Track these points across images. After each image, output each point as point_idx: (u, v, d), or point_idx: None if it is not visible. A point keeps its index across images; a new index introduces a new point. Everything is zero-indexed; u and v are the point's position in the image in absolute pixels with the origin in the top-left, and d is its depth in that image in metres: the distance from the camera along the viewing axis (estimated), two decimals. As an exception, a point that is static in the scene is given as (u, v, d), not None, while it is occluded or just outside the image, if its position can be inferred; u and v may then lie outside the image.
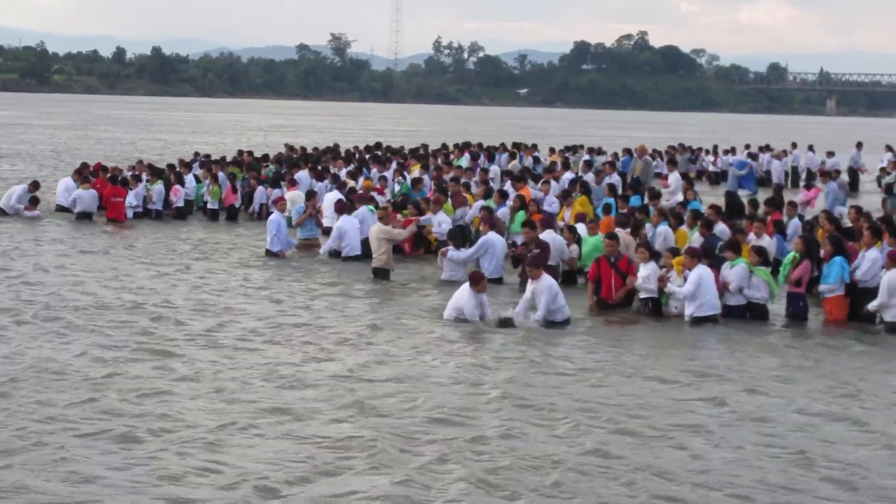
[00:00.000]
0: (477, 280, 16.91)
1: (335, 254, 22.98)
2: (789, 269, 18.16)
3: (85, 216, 28.11)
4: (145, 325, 16.15)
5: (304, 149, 41.78)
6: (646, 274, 17.87)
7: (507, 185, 28.00)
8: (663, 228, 21.17)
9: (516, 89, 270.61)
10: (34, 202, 28.82)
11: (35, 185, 29.71)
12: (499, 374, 13.88)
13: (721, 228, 20.65)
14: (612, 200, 25.20)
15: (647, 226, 21.25)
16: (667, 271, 17.78)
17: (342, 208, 23.13)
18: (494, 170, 35.20)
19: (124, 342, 14.99)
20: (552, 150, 46.89)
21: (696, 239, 19.96)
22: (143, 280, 20.02)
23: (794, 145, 50.20)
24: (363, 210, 23.47)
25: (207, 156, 37.67)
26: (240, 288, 19.64)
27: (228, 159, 35.47)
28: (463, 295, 16.90)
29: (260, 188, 30.14)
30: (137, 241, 25.12)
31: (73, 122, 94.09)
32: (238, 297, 18.76)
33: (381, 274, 20.73)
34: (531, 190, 26.69)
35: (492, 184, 28.16)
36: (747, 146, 53.02)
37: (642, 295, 18.04)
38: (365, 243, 22.07)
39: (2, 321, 16.13)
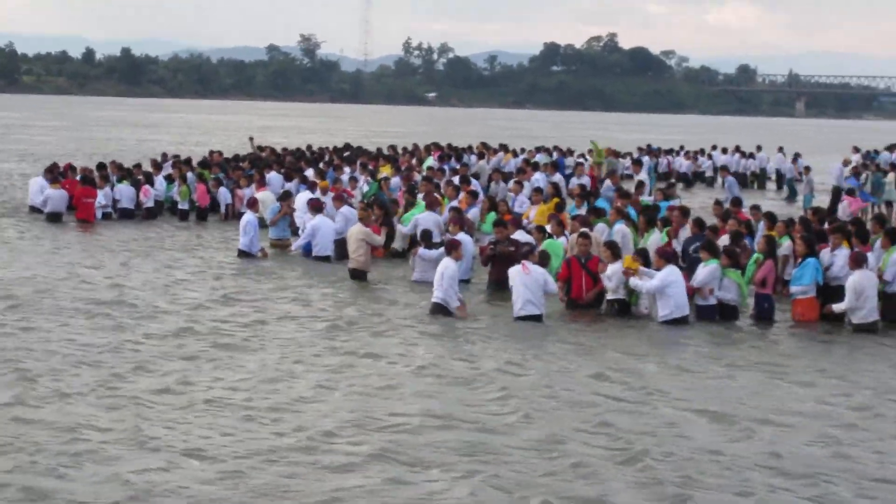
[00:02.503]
0: (455, 247, 17.67)
1: (307, 251, 22.86)
2: (753, 270, 18.06)
3: (55, 216, 27.87)
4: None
5: (273, 149, 41.62)
6: (611, 273, 17.82)
7: (476, 186, 27.99)
8: (620, 227, 20.88)
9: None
10: (56, 181, 28.90)
11: (51, 169, 30.06)
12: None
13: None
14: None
15: (601, 225, 21.07)
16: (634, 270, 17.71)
17: (317, 207, 23.04)
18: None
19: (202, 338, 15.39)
20: (505, 148, 45.64)
21: (654, 240, 19.90)
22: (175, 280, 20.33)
23: (759, 148, 50.69)
24: (348, 209, 23.43)
25: (177, 156, 37.43)
26: (239, 290, 19.41)
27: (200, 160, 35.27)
28: (449, 268, 17.30)
29: (222, 189, 30.04)
30: (149, 241, 25.40)
31: (72, 124, 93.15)
32: (232, 300, 18.52)
33: (358, 275, 20.62)
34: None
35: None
36: (713, 147, 53.36)
37: (609, 296, 17.99)
38: (339, 244, 22.00)
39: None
